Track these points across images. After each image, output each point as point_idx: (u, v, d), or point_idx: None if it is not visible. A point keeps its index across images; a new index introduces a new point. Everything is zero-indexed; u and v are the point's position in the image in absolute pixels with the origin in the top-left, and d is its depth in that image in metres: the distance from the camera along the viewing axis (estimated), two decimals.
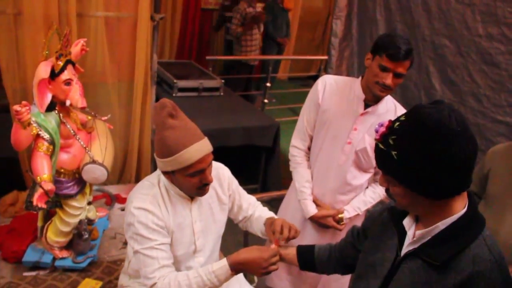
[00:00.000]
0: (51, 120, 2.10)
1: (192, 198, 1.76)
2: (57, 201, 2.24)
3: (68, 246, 2.34)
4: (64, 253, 2.31)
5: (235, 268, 1.64)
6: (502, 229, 1.95)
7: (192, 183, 1.64)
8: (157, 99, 4.41)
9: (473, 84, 3.13)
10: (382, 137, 1.14)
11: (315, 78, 6.57)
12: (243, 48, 5.92)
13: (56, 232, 2.26)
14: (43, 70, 2.03)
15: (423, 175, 1.07)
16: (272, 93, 6.80)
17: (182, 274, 1.65)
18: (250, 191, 2.07)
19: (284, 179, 4.18)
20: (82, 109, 2.17)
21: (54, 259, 2.30)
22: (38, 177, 2.01)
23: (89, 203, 2.46)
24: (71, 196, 2.24)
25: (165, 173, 1.66)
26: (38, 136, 2.05)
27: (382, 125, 1.15)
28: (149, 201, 1.67)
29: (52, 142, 2.09)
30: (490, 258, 1.10)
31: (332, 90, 2.12)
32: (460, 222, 1.14)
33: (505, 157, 2.02)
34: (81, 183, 2.29)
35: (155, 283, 1.62)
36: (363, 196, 2.17)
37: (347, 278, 2.33)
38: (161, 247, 1.66)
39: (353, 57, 4.08)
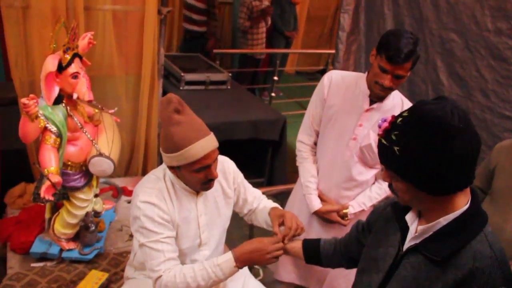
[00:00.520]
0: (59, 113, 2.12)
1: (197, 192, 1.77)
2: (64, 193, 2.26)
3: (75, 238, 2.37)
4: (71, 245, 2.34)
5: (240, 260, 1.65)
6: (508, 225, 1.94)
7: (197, 178, 1.65)
8: (164, 93, 4.43)
9: (481, 79, 3.11)
10: (385, 133, 1.14)
11: (322, 72, 6.56)
12: (249, 42, 5.90)
13: (63, 224, 2.29)
14: (51, 64, 2.04)
15: (425, 171, 1.08)
16: (280, 87, 6.80)
17: (187, 267, 1.66)
18: (257, 185, 2.08)
19: (290, 173, 4.19)
20: (89, 102, 2.19)
21: (61, 250, 2.33)
22: (46, 170, 2.03)
23: (96, 196, 2.48)
24: (78, 189, 2.26)
25: (170, 167, 1.67)
26: (45, 129, 2.07)
27: (385, 121, 1.15)
28: (155, 195, 1.68)
29: (59, 135, 2.10)
30: (491, 254, 1.10)
31: (338, 85, 2.12)
32: (462, 218, 1.14)
33: None
34: (88, 176, 2.31)
35: (160, 276, 1.64)
36: (369, 192, 2.17)
37: (354, 273, 2.34)
38: (166, 240, 1.67)
39: (361, 51, 4.05)
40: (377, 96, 2.01)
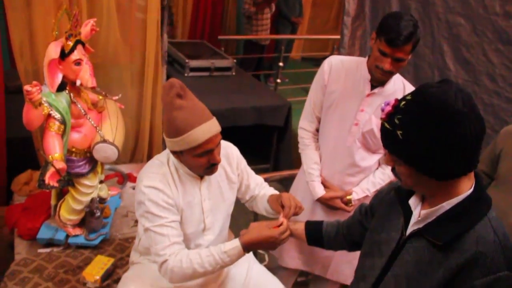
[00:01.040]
0: (62, 100, 2.12)
1: (201, 177, 1.77)
2: (69, 180, 2.28)
3: (81, 224, 2.39)
4: (77, 231, 2.36)
5: (247, 248, 1.65)
6: None
7: (200, 163, 1.65)
8: (168, 79, 4.44)
9: (488, 64, 3.07)
10: (387, 116, 1.13)
11: None
12: (254, 28, 5.87)
13: (69, 210, 2.31)
14: (53, 51, 2.04)
15: (428, 156, 1.07)
16: (285, 73, 6.76)
17: (194, 252, 1.66)
18: (262, 171, 2.09)
19: (295, 159, 4.19)
20: (92, 89, 2.19)
21: (67, 236, 2.35)
22: (50, 156, 2.05)
23: (101, 182, 2.49)
24: (82, 175, 2.28)
25: (173, 152, 1.68)
26: (49, 115, 2.08)
27: (388, 104, 1.14)
28: (159, 179, 1.69)
29: (63, 122, 2.11)
30: (494, 239, 1.09)
31: (339, 71, 2.10)
32: (465, 202, 1.13)
33: None
34: (93, 162, 2.32)
35: (166, 260, 1.64)
36: (372, 177, 2.16)
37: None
38: (171, 224, 1.68)
39: (366, 36, 4.01)
40: (378, 80, 1.99)
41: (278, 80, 5.87)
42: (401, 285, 1.20)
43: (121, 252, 2.35)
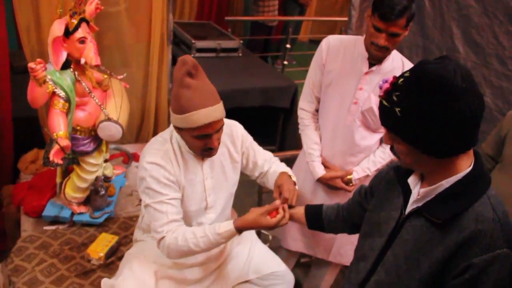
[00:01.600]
0: (66, 78, 2.13)
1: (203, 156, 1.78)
2: (74, 158, 2.29)
3: (86, 202, 2.41)
4: (82, 209, 2.38)
5: (241, 231, 1.67)
6: None
7: (197, 144, 1.66)
8: (175, 60, 4.42)
9: (498, 46, 3.03)
10: (385, 94, 1.12)
11: None
12: (260, 9, 5.82)
13: (74, 188, 2.33)
14: (57, 28, 2.04)
15: (427, 133, 1.06)
16: (293, 55, 6.71)
17: (189, 231, 1.67)
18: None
19: (301, 140, 4.18)
20: (97, 67, 2.19)
21: (72, 214, 2.37)
22: (54, 134, 2.06)
23: (106, 161, 2.51)
24: (87, 153, 2.29)
25: (175, 127, 1.68)
26: (54, 93, 2.08)
27: (386, 82, 1.12)
28: (161, 156, 1.70)
29: (67, 100, 2.12)
30: (494, 217, 1.09)
31: (336, 50, 2.08)
32: (464, 180, 1.13)
33: None
34: (97, 141, 2.33)
35: (163, 237, 1.67)
36: (373, 156, 2.16)
37: None
38: (171, 201, 1.69)
39: None
40: (374, 57, 1.97)
41: (285, 62, 5.82)
42: (401, 264, 1.20)
43: (125, 230, 2.37)
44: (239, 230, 1.66)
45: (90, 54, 2.13)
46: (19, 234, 2.33)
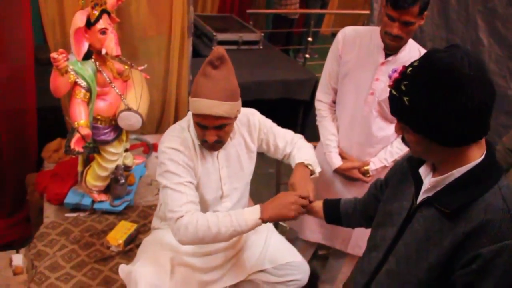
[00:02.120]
0: (88, 68, 2.17)
1: None
2: (95, 147, 2.34)
3: (106, 190, 2.46)
4: (102, 197, 2.43)
5: (265, 211, 1.64)
6: None
7: (197, 132, 1.71)
8: (196, 52, 4.45)
9: None
10: (394, 83, 1.11)
11: None
12: (283, 2, 5.80)
13: (95, 176, 2.38)
14: (79, 19, 2.08)
15: (435, 121, 1.04)
16: (315, 49, 6.68)
17: (210, 214, 1.66)
18: None
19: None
20: (117, 57, 2.23)
21: (93, 202, 2.43)
22: (76, 123, 2.10)
23: (126, 150, 2.55)
24: (108, 142, 2.33)
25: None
26: (75, 83, 2.13)
27: (395, 71, 1.12)
28: (179, 142, 1.73)
29: (89, 90, 2.16)
30: (503, 207, 1.07)
31: (352, 41, 2.08)
32: (475, 170, 1.11)
33: None
34: (118, 130, 2.37)
35: (182, 216, 1.62)
36: (390, 147, 2.14)
37: None
38: (189, 185, 1.70)
39: None
40: (389, 47, 1.95)
41: (307, 55, 5.80)
42: (411, 254, 1.20)
43: (144, 218, 2.41)
44: (263, 210, 1.63)
45: (111, 44, 2.16)
46: (42, 220, 2.39)
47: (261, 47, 4.74)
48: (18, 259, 2.15)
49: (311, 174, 1.87)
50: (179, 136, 1.75)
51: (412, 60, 1.99)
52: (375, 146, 2.15)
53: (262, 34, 4.85)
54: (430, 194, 1.18)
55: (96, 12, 2.12)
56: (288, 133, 2.00)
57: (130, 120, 2.29)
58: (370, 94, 2.05)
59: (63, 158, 2.75)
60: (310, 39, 5.78)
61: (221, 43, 4.48)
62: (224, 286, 1.93)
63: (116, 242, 2.19)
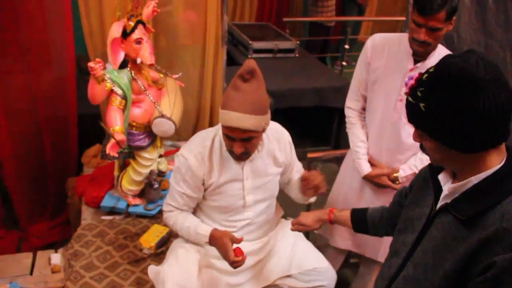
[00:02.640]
0: (124, 76, 2.26)
1: None
2: (130, 152, 2.43)
3: (141, 195, 2.55)
4: (137, 201, 2.52)
5: (211, 243, 1.84)
6: None
7: (226, 142, 1.76)
8: (232, 60, 4.52)
9: None
10: (411, 90, 1.11)
11: None
12: (319, 9, 5.81)
13: (130, 181, 2.46)
14: (115, 30, 2.18)
15: (452, 127, 1.04)
16: (352, 56, 6.64)
17: (181, 218, 1.93)
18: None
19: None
20: (151, 66, 2.31)
21: (128, 205, 2.52)
22: (111, 129, 2.20)
23: (160, 156, 2.63)
24: (142, 148, 2.42)
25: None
26: (112, 91, 2.22)
27: (411, 78, 1.12)
28: (194, 154, 1.81)
29: (124, 97, 2.25)
30: None
31: (381, 47, 2.07)
32: (494, 177, 1.09)
33: None
34: (152, 136, 2.45)
35: (164, 210, 1.99)
36: (420, 154, 2.11)
37: None
38: (182, 196, 1.89)
39: None
40: (417, 53, 1.94)
41: (344, 63, 5.78)
42: (428, 260, 1.19)
43: None
44: (210, 242, 1.84)
45: (145, 54, 2.25)
46: (80, 222, 2.50)
47: (296, 55, 4.77)
48: (56, 258, 2.26)
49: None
50: (198, 147, 1.83)
51: None
52: (405, 153, 2.14)
53: (298, 42, 4.88)
54: (449, 200, 1.17)
55: (132, 23, 2.21)
56: (299, 164, 2.15)
57: (163, 127, 2.36)
58: (399, 101, 2.04)
59: (102, 163, 2.86)
60: (347, 46, 5.76)
61: (257, 51, 4.55)
62: None
63: (149, 245, 2.26)
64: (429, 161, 2.09)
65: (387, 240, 2.27)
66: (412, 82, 1.11)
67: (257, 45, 4.57)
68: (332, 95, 4.13)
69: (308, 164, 2.84)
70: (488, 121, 1.01)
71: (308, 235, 2.72)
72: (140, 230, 2.40)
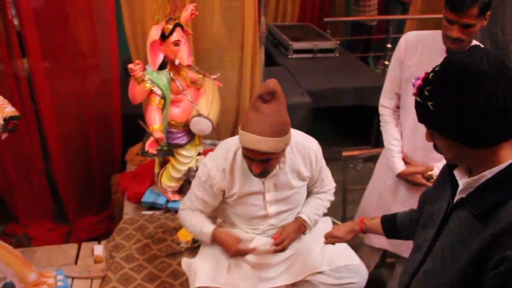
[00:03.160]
0: (163, 77, 2.36)
1: None
2: (169, 150, 2.53)
3: (180, 191, 2.64)
4: (176, 197, 2.62)
5: (215, 241, 1.93)
6: None
7: (245, 160, 1.78)
8: (272, 61, 4.57)
9: None
10: (418, 90, 1.12)
11: None
12: (361, 9, 5.77)
13: (169, 177, 2.56)
14: (154, 33, 2.27)
15: (461, 123, 1.04)
16: None
17: (192, 217, 1.99)
18: None
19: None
20: (188, 67, 2.40)
21: (167, 201, 2.62)
22: (150, 127, 2.30)
23: (199, 154, 2.71)
24: (181, 146, 2.51)
25: None
26: (151, 91, 2.33)
27: (418, 79, 1.13)
28: (215, 165, 1.86)
29: (163, 97, 2.35)
30: None
31: (415, 45, 2.06)
32: (507, 171, 1.08)
33: None
34: (190, 135, 2.54)
35: (181, 209, 2.05)
36: None
37: None
38: (198, 200, 1.96)
39: None
40: (451, 50, 1.92)
41: (386, 62, 5.71)
42: (446, 254, 1.19)
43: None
44: (213, 240, 1.93)
45: (183, 55, 2.34)
46: (122, 217, 2.62)
47: (337, 55, 4.77)
48: (99, 249, 2.38)
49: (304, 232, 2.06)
50: (219, 158, 1.88)
51: None
52: None
53: (338, 42, 4.87)
54: (464, 195, 1.18)
55: (170, 26, 2.31)
56: (329, 179, 2.12)
57: (200, 125, 2.44)
58: None
59: (144, 161, 2.99)
60: (389, 45, 5.68)
61: (297, 51, 4.58)
62: (280, 284, 1.99)
63: (186, 239, 2.35)
64: None
65: None
66: (419, 82, 1.12)
67: (297, 45, 4.60)
68: (372, 94, 4.08)
69: (343, 162, 2.85)
70: (496, 114, 1.01)
71: None
72: (178, 225, 2.49)
